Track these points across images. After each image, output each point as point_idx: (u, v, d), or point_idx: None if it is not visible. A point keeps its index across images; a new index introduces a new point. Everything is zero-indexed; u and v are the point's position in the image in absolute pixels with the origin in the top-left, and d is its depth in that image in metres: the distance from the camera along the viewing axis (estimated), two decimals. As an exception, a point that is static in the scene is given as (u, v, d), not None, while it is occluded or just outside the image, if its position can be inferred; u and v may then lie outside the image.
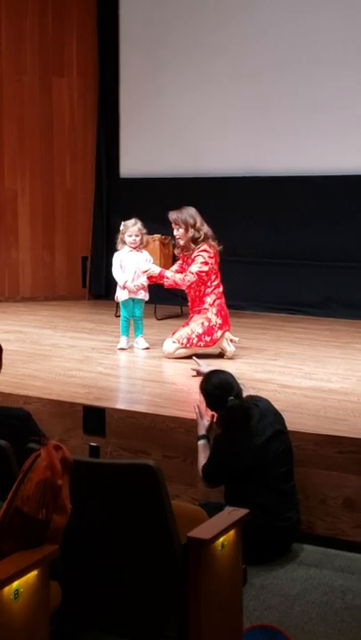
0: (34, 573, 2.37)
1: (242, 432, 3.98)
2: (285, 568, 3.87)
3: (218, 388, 4.07)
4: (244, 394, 4.19)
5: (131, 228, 6.34)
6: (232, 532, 2.82)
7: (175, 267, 6.33)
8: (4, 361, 3.53)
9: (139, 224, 6.37)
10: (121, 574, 2.78)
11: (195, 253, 6.08)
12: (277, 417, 4.13)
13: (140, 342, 6.47)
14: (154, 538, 2.70)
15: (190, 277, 6.04)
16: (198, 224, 6.09)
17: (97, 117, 9.48)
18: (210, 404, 4.13)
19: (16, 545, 2.40)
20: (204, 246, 6.07)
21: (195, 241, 6.08)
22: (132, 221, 6.38)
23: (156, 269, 6.18)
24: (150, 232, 6.87)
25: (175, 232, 6.16)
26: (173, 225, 6.16)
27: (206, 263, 6.04)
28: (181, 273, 6.15)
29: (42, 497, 2.39)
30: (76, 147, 9.46)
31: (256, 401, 4.17)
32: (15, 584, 2.30)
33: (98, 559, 2.80)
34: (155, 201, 8.44)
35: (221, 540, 2.75)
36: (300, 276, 8.30)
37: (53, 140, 9.32)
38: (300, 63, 8.28)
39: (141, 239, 6.38)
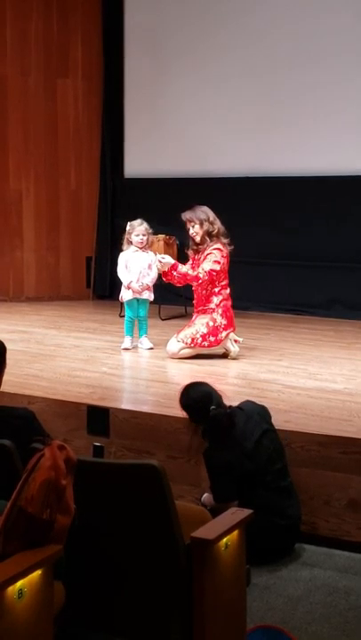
0: (38, 573, 2.37)
1: (230, 439, 3.97)
2: (289, 568, 3.87)
3: (198, 402, 4.04)
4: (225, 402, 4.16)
5: (137, 228, 6.35)
6: (236, 533, 2.82)
7: (186, 266, 6.30)
8: (8, 361, 3.53)
9: (145, 224, 6.38)
10: (125, 574, 2.79)
11: (208, 250, 6.08)
12: (262, 416, 4.13)
13: (145, 342, 6.47)
14: (158, 538, 2.70)
15: (202, 274, 6.02)
16: (212, 218, 6.11)
17: (101, 118, 9.47)
18: (193, 419, 4.08)
19: (20, 545, 2.41)
20: (218, 245, 6.06)
21: (210, 235, 6.08)
22: (138, 221, 6.39)
23: (170, 260, 6.15)
24: (154, 232, 6.87)
25: (191, 231, 6.13)
26: (188, 224, 6.14)
27: (218, 262, 6.03)
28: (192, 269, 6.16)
29: (46, 497, 2.40)
30: (80, 148, 9.47)
31: (239, 405, 4.17)
32: (19, 584, 2.31)
33: (101, 559, 2.80)
34: (159, 201, 8.45)
35: (225, 540, 2.76)
36: (305, 277, 8.29)
37: (58, 141, 9.33)
38: (303, 65, 8.27)
39: (148, 239, 6.40)
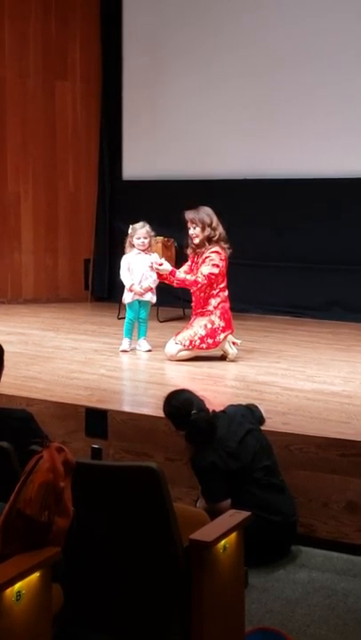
0: (36, 575, 2.37)
1: (213, 441, 3.99)
2: (287, 570, 3.87)
3: (179, 408, 4.08)
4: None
5: (139, 231, 6.36)
6: (234, 535, 2.82)
7: (185, 267, 6.31)
8: (6, 363, 3.53)
9: (147, 227, 6.39)
10: (123, 577, 2.78)
11: (206, 254, 6.08)
12: (246, 417, 4.16)
13: (143, 344, 6.47)
14: (156, 540, 2.70)
15: (201, 279, 6.04)
16: (214, 224, 6.11)
17: (100, 120, 9.48)
18: (176, 426, 4.12)
19: (18, 547, 2.40)
20: (216, 248, 6.07)
21: (210, 240, 6.08)
22: (140, 224, 6.40)
23: (168, 267, 6.17)
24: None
25: (191, 231, 6.14)
26: (190, 223, 6.14)
27: (217, 265, 6.03)
28: (191, 273, 6.16)
29: (44, 499, 2.39)
30: (78, 150, 9.47)
31: (223, 409, 4.20)
32: (17, 586, 2.30)
33: (100, 562, 2.80)
34: (157, 203, 8.45)
35: (223, 542, 2.75)
36: (304, 279, 8.29)
37: (56, 143, 9.33)
38: (303, 66, 8.27)
39: (150, 241, 6.40)
